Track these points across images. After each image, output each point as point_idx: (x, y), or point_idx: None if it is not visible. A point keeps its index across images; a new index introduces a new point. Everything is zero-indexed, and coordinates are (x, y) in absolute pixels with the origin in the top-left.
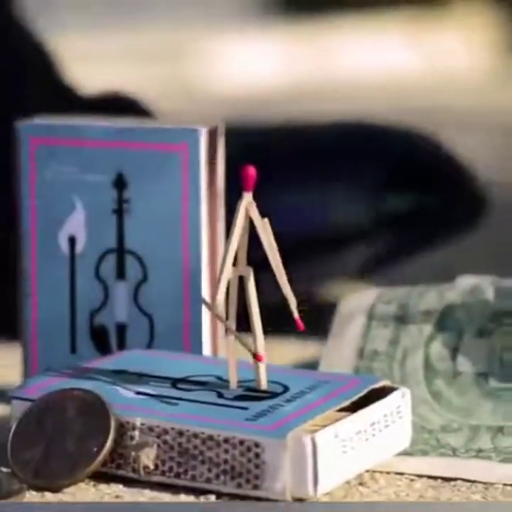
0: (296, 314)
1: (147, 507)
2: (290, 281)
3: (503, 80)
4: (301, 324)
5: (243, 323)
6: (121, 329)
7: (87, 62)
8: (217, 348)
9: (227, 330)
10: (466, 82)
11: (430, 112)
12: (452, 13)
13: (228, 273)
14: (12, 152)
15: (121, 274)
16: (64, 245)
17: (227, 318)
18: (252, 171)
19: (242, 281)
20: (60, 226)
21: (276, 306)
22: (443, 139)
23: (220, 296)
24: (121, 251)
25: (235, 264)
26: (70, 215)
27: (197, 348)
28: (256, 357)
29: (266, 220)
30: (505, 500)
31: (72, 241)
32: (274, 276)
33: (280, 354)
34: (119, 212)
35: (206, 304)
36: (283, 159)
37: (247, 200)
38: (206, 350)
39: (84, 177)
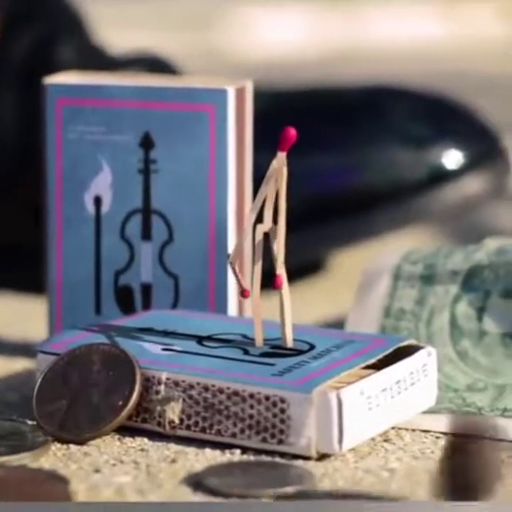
0: (279, 270)
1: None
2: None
3: None
4: (280, 281)
5: (268, 281)
6: (147, 290)
7: (117, 27)
8: (243, 308)
9: (234, 271)
10: (493, 49)
11: (457, 78)
12: None
13: (250, 223)
14: (39, 111)
15: (146, 234)
16: (90, 205)
17: (252, 274)
18: (292, 132)
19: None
20: (86, 186)
21: (301, 267)
22: (469, 104)
23: (238, 246)
24: (147, 211)
25: (261, 221)
26: (96, 176)
27: (222, 309)
28: (243, 293)
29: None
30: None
31: (98, 201)
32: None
33: (306, 313)
34: (146, 172)
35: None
36: (310, 121)
37: (281, 160)
38: (232, 310)
39: (110, 137)
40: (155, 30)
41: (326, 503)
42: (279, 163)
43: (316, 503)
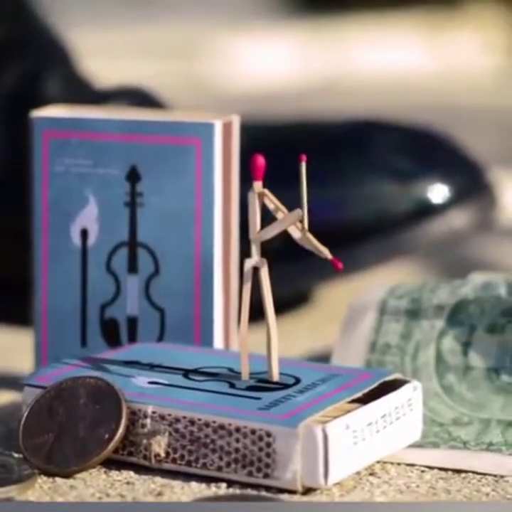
0: (330, 256)
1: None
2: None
3: None
4: (338, 263)
5: (257, 315)
6: (133, 323)
7: (102, 57)
8: (229, 341)
9: None
10: (479, 82)
11: (442, 111)
12: (466, 12)
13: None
14: (26, 144)
15: (133, 267)
16: (76, 238)
17: (240, 307)
18: (261, 160)
19: (256, 272)
20: (73, 219)
21: (287, 301)
22: (455, 137)
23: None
24: (133, 244)
25: (248, 255)
26: (83, 208)
27: (208, 342)
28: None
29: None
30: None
31: (84, 234)
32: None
33: (292, 346)
34: (132, 205)
35: None
36: (296, 155)
37: (258, 189)
38: (217, 343)
39: (97, 170)
40: (140, 61)
41: (325, 505)
42: (257, 191)
43: (316, 505)
